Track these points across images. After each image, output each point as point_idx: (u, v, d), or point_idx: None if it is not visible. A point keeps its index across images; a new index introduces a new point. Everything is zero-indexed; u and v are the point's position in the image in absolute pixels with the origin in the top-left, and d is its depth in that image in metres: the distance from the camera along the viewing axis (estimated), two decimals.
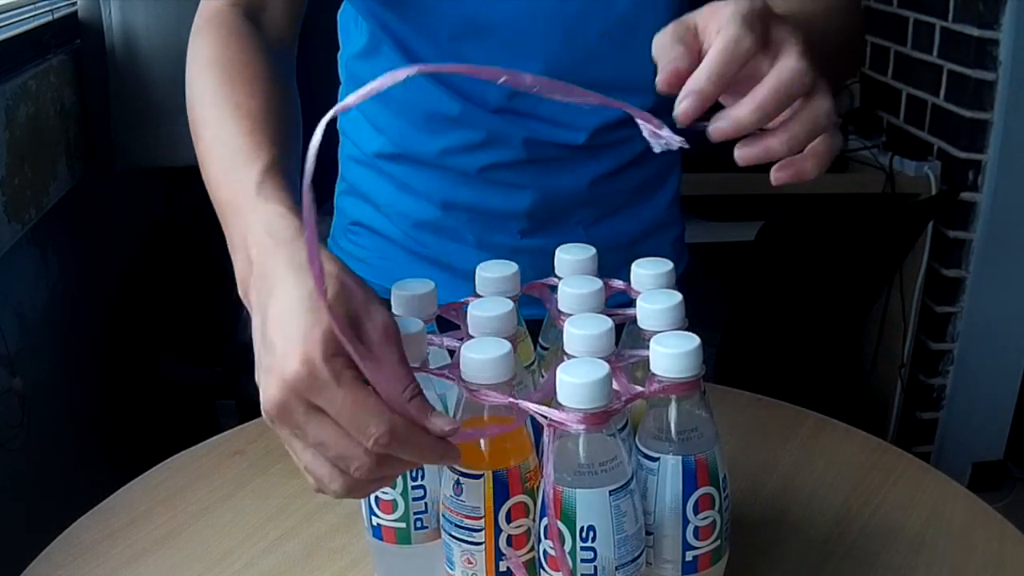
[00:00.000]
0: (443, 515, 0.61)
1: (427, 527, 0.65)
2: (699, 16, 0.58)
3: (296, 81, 0.78)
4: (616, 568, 0.57)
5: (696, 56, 0.57)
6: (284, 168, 0.65)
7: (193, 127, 0.71)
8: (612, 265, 0.74)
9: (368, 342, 0.54)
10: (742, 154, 0.60)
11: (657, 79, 0.57)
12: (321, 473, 0.55)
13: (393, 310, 0.67)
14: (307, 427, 0.54)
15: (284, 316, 0.55)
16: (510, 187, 0.92)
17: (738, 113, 0.57)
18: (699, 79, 0.55)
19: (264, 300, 0.57)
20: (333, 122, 0.69)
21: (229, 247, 0.64)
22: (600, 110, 0.87)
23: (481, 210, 0.94)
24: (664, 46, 0.57)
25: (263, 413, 0.55)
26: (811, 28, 0.63)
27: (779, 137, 0.59)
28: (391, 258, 0.99)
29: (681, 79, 0.56)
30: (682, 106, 0.56)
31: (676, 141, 0.58)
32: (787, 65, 0.56)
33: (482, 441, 0.59)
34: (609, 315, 0.64)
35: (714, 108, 0.58)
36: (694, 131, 0.59)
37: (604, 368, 0.56)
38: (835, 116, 0.59)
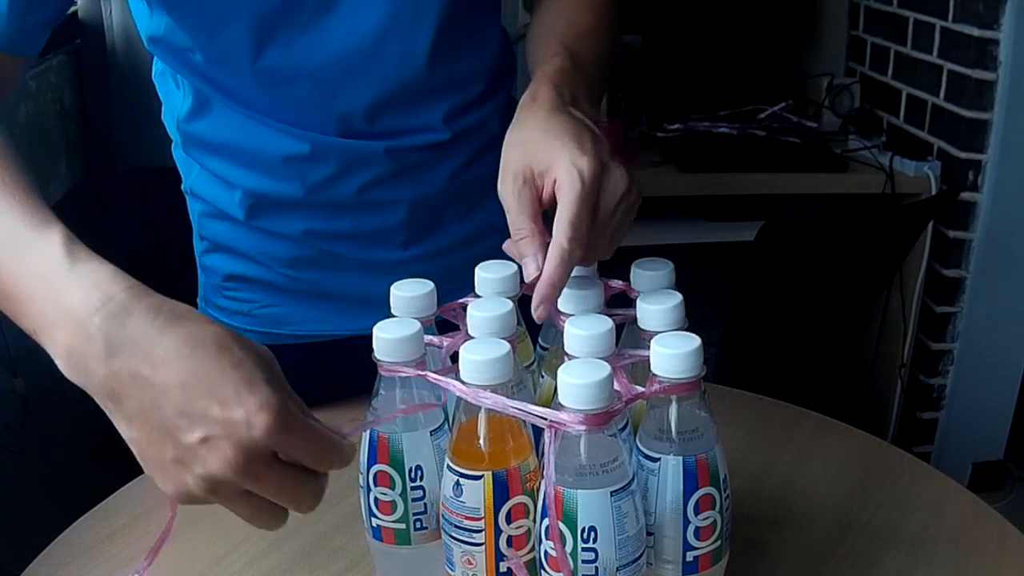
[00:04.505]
0: (443, 516, 0.61)
1: (427, 528, 0.65)
2: (535, 161, 0.65)
3: None
4: (617, 569, 0.57)
5: (538, 204, 0.65)
6: (71, 233, 0.59)
7: None
8: (489, 249, 0.74)
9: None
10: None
11: (506, 243, 0.66)
12: (268, 517, 0.54)
13: (392, 311, 0.67)
14: (269, 477, 0.51)
15: (195, 375, 0.50)
16: (382, 204, 0.91)
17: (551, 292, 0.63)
18: (547, 289, 0.62)
19: (139, 368, 0.51)
20: (176, 186, 0.71)
21: (33, 326, 0.56)
22: (446, 98, 0.89)
23: (359, 234, 0.93)
24: (509, 195, 0.65)
25: (190, 491, 0.51)
26: (588, 77, 0.76)
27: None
28: (276, 304, 0.97)
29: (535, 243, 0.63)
30: (538, 312, 0.63)
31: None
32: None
33: (482, 442, 0.59)
34: (609, 315, 0.64)
35: None
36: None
37: (605, 369, 0.56)
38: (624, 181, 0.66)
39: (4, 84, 0.78)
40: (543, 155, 0.65)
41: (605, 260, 0.69)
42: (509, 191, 0.65)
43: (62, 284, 0.55)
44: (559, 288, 0.63)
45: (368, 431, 0.64)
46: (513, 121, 0.71)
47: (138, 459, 0.54)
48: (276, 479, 0.51)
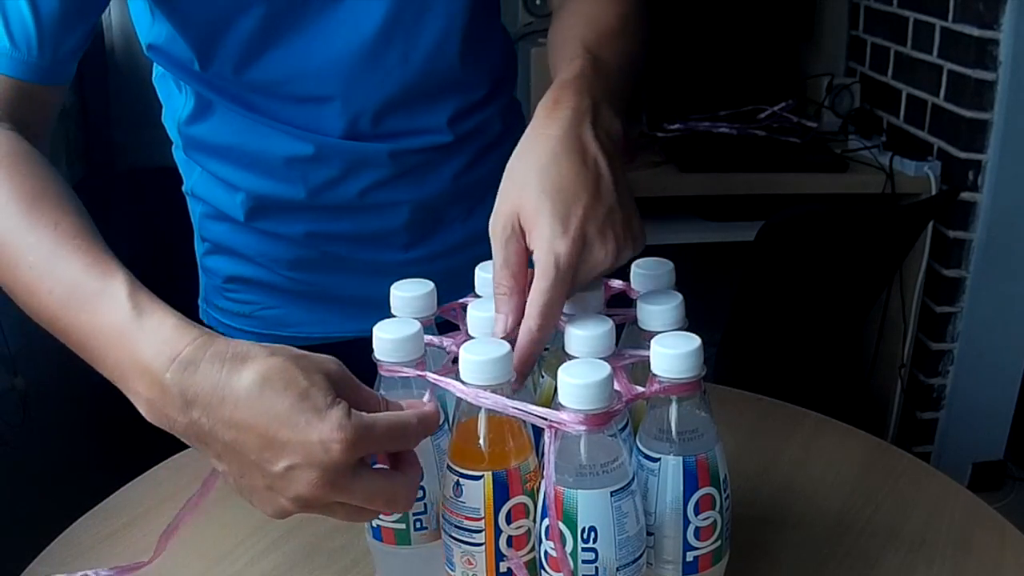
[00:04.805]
0: (443, 516, 0.61)
1: (427, 528, 0.65)
2: (523, 214, 0.63)
3: None
4: (617, 569, 0.57)
5: (524, 257, 0.63)
6: (136, 279, 0.61)
7: (1, 252, 0.63)
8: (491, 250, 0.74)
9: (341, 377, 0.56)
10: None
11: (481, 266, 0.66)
12: (365, 515, 0.57)
13: (392, 311, 0.67)
14: (356, 488, 0.54)
15: (268, 412, 0.53)
16: (384, 206, 0.91)
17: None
18: (518, 366, 0.60)
19: (217, 415, 0.54)
20: (177, 186, 0.70)
21: (110, 374, 0.59)
22: (450, 100, 0.88)
23: (361, 235, 0.93)
24: (496, 242, 0.63)
25: (288, 511, 0.55)
26: (612, 81, 0.72)
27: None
28: (277, 306, 0.97)
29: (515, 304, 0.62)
30: (515, 384, 0.60)
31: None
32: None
33: (482, 442, 0.59)
34: (609, 315, 0.64)
35: None
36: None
37: (605, 369, 0.56)
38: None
39: (45, 116, 0.78)
40: (531, 213, 0.62)
41: None
42: (498, 237, 0.64)
43: (133, 338, 0.57)
44: (530, 364, 0.62)
45: None
46: (527, 129, 0.67)
47: (234, 489, 0.58)
48: (363, 488, 0.54)
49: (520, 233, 0.63)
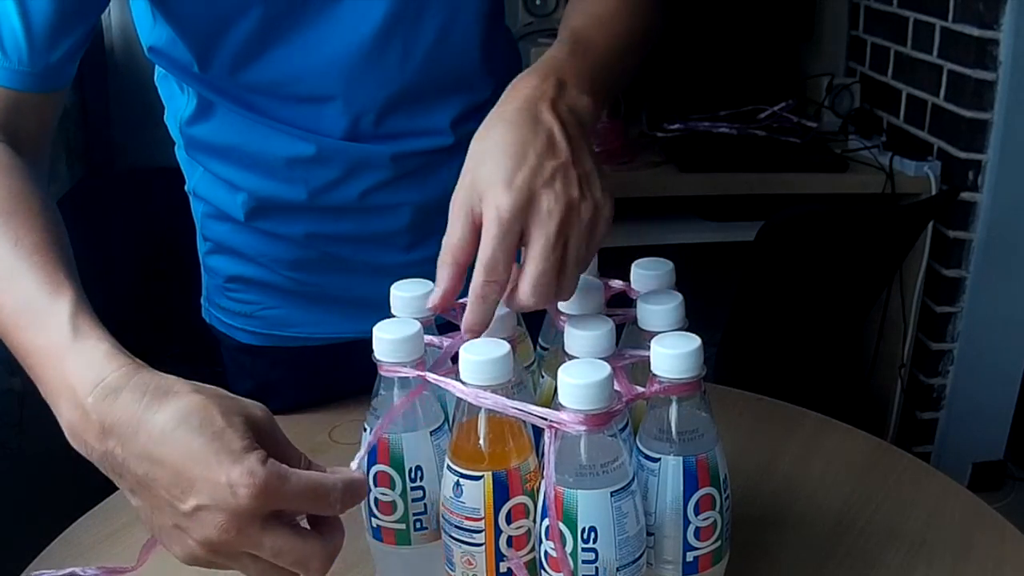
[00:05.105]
0: (443, 516, 0.61)
1: (427, 528, 0.65)
2: (477, 182, 0.63)
3: None
4: (617, 569, 0.57)
5: (473, 232, 0.63)
6: (86, 301, 0.61)
7: None
8: None
9: (262, 427, 0.55)
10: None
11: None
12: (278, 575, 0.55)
13: (392, 311, 0.67)
14: (264, 541, 0.52)
15: (180, 449, 0.52)
16: (386, 208, 0.91)
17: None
18: (467, 331, 0.61)
19: (131, 447, 0.54)
20: (178, 186, 0.70)
21: (45, 393, 0.59)
22: (455, 101, 0.88)
23: (363, 237, 0.93)
24: (452, 214, 0.64)
25: (196, 554, 0.53)
26: (595, 62, 0.72)
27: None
28: (278, 306, 0.97)
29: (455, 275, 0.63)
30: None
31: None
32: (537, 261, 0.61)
33: (482, 442, 0.59)
34: (609, 315, 0.64)
35: None
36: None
37: (605, 369, 0.56)
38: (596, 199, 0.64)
39: (42, 122, 0.76)
40: (482, 178, 0.63)
41: (564, 299, 0.65)
42: (454, 209, 0.64)
43: (65, 359, 0.58)
44: (479, 329, 0.62)
45: (368, 431, 0.64)
46: (490, 111, 0.68)
47: (145, 526, 0.57)
48: (272, 542, 0.53)
49: (473, 206, 0.63)
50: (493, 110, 0.68)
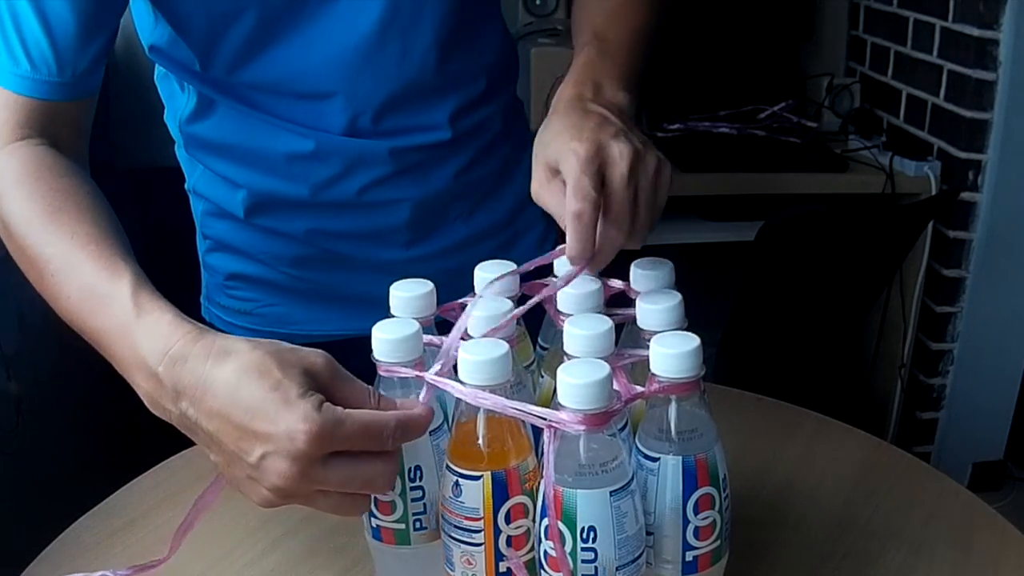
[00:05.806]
0: (442, 516, 0.61)
1: (426, 528, 0.65)
2: (550, 159, 0.69)
3: None
4: (617, 568, 0.57)
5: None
6: (144, 277, 0.66)
7: (32, 265, 0.70)
8: (493, 249, 0.75)
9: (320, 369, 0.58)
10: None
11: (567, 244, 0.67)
12: (349, 505, 0.59)
13: (392, 311, 0.67)
14: (329, 476, 0.56)
15: (242, 403, 0.56)
16: (385, 204, 0.92)
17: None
18: (576, 244, 0.65)
19: (201, 406, 0.57)
20: (178, 186, 0.70)
21: (121, 369, 0.64)
22: (451, 96, 0.90)
23: (363, 233, 0.93)
24: (544, 195, 0.69)
25: (271, 500, 0.57)
26: (624, 60, 0.79)
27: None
28: (278, 304, 0.98)
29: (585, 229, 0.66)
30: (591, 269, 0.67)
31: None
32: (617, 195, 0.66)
33: (481, 442, 0.59)
34: (609, 315, 0.64)
35: None
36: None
37: (605, 369, 0.56)
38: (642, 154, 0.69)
39: (77, 128, 0.78)
40: (553, 152, 0.69)
41: (641, 244, 0.70)
42: (543, 191, 0.69)
43: (132, 336, 0.62)
44: (586, 249, 0.65)
45: None
46: (541, 125, 0.74)
47: (225, 479, 0.61)
48: (337, 475, 0.56)
49: (558, 177, 0.68)
50: (548, 116, 0.74)
